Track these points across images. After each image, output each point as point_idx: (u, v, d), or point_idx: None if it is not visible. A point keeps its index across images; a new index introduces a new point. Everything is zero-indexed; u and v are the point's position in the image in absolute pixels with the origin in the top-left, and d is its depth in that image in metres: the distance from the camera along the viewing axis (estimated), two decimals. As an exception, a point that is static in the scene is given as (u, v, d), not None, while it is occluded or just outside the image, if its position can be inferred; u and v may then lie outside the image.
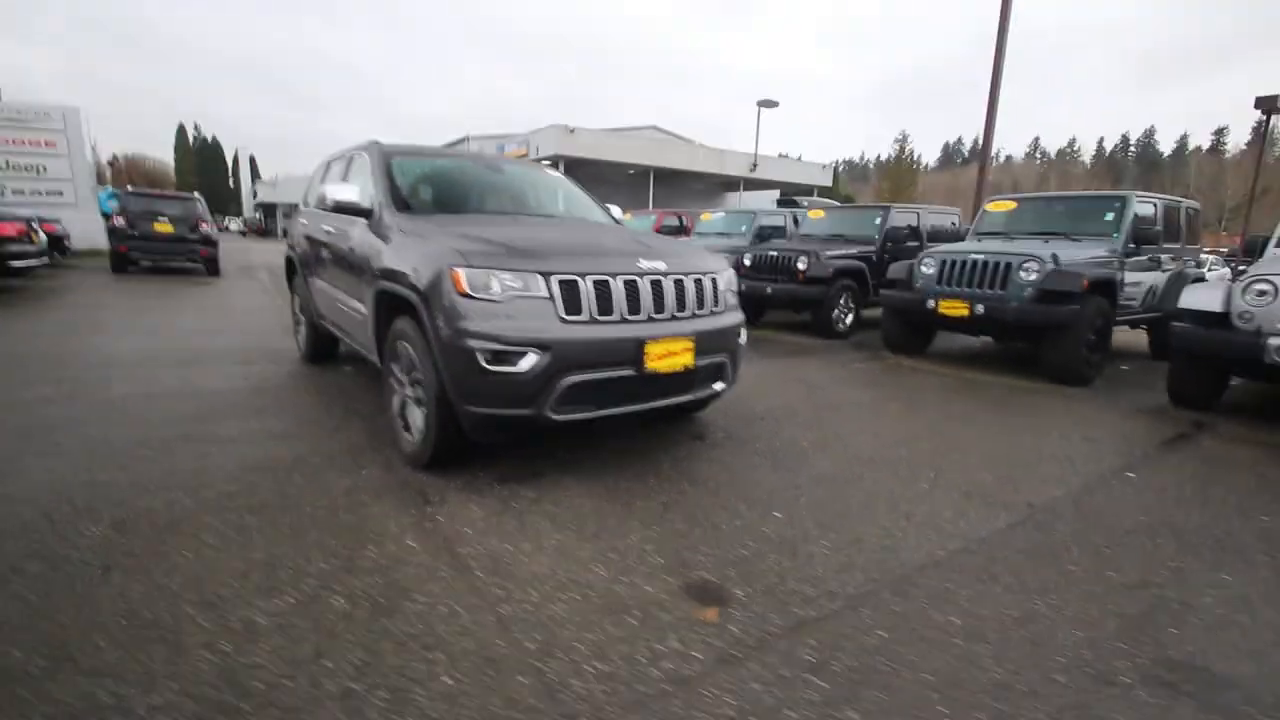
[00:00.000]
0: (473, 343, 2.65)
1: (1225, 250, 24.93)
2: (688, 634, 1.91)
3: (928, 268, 6.40)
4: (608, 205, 4.63)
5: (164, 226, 11.46)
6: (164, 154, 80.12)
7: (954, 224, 9.64)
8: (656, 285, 3.00)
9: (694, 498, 2.91)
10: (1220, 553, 2.59)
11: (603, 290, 2.83)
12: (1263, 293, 4.34)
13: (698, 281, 3.19)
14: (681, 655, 1.81)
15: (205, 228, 11.92)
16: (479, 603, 2.02)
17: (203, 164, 76.95)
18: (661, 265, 3.04)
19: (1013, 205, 7.17)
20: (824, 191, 32.28)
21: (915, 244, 8.74)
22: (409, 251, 3.06)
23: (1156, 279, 6.73)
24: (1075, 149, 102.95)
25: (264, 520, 2.51)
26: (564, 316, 2.74)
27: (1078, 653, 1.92)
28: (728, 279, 3.45)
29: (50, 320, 6.86)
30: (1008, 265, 5.80)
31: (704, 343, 3.11)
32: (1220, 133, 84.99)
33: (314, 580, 2.11)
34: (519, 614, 1.97)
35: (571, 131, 23.20)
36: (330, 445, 3.40)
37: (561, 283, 2.76)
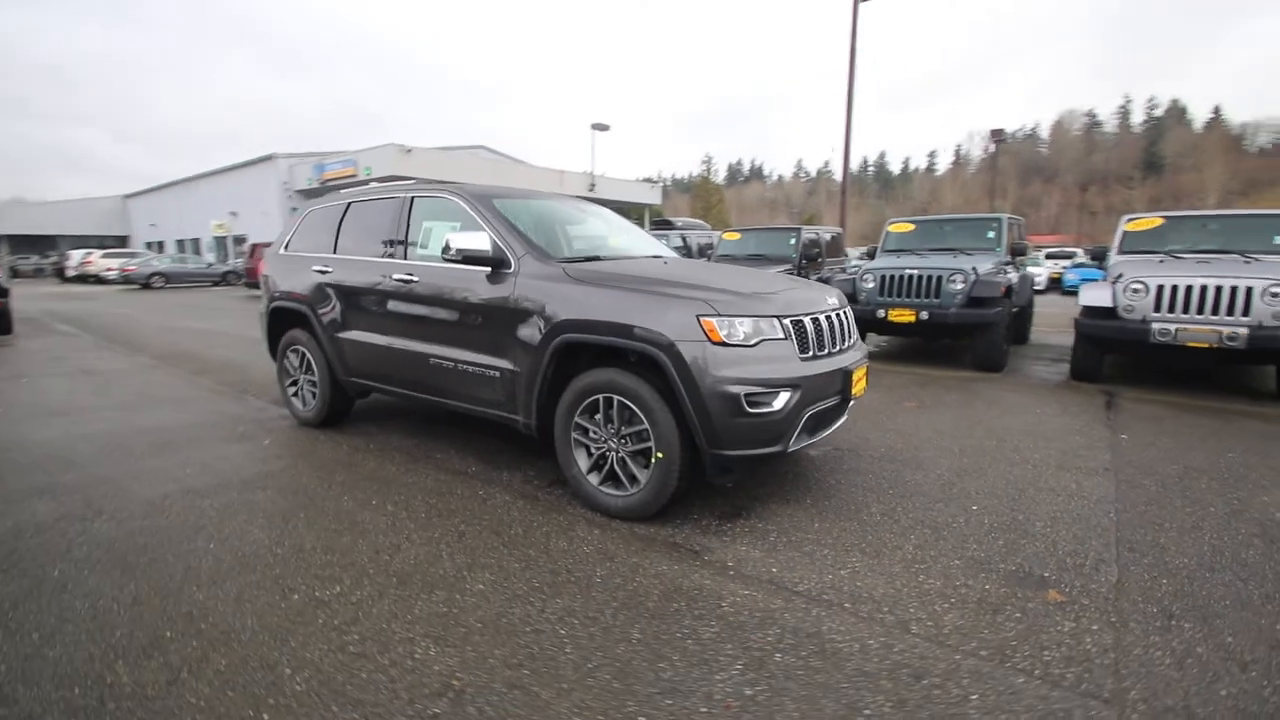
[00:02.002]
0: (735, 388, 2.74)
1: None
2: (1064, 616, 2.27)
3: (869, 282, 7.43)
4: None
5: (-71, 276, 8.70)
6: None
7: (832, 238, 11.14)
8: (840, 319, 3.31)
9: (898, 504, 3.26)
10: (1243, 482, 3.59)
11: (816, 328, 3.08)
12: (1137, 291, 5.87)
13: (849, 313, 3.56)
14: (1087, 632, 2.17)
15: (-9, 275, 9.28)
16: (888, 629, 2.18)
17: None
18: (835, 301, 3.36)
19: (912, 227, 8.58)
20: (655, 210, 34.23)
21: (819, 259, 9.96)
22: (617, 303, 3.00)
23: (1011, 280, 8.52)
24: (829, 168, 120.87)
25: (576, 602, 2.35)
26: (801, 355, 2.94)
27: (1272, 565, 2.64)
28: None
29: None
30: (939, 278, 6.99)
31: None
32: (932, 155, 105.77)
33: (730, 646, 2.08)
34: (932, 631, 2.17)
35: (408, 151, 21.92)
36: (501, 513, 3.15)
37: (793, 324, 2.95)
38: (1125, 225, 7.11)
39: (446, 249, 3.43)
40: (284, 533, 2.91)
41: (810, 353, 3.00)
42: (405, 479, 3.64)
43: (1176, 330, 5.53)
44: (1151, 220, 6.99)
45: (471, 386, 3.59)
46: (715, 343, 2.77)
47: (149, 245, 35.70)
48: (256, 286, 19.95)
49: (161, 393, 5.92)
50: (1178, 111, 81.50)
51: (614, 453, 3.08)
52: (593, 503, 3.16)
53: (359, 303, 4.17)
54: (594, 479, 3.16)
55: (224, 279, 24.34)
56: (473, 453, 4.11)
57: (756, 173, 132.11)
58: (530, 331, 3.25)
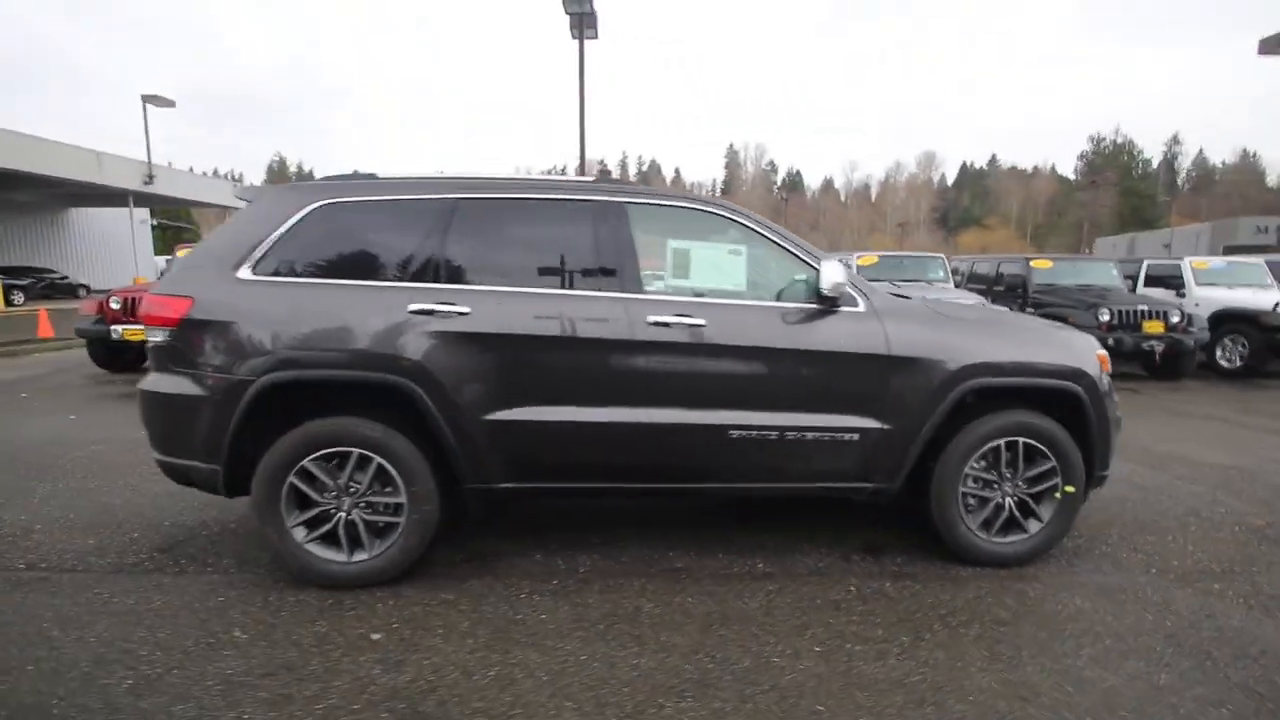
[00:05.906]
0: (1119, 412, 3.04)
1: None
2: None
3: None
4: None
5: None
6: None
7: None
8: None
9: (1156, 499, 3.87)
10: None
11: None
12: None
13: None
14: None
15: None
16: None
17: None
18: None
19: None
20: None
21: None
22: (1022, 341, 2.95)
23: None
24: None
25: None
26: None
27: None
28: None
29: None
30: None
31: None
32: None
33: None
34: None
35: None
36: (961, 613, 2.61)
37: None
38: (856, 260, 9.68)
39: (824, 288, 2.61)
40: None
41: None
42: (740, 606, 2.54)
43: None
44: (871, 258, 9.73)
45: (804, 458, 2.78)
46: (1105, 371, 2.99)
47: None
48: None
49: None
50: (656, 168, 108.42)
51: (1008, 498, 2.92)
52: (987, 560, 2.90)
53: (557, 362, 2.64)
54: (983, 534, 2.91)
55: None
56: (704, 544, 3.10)
57: (309, 177, 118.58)
58: (914, 379, 2.77)
